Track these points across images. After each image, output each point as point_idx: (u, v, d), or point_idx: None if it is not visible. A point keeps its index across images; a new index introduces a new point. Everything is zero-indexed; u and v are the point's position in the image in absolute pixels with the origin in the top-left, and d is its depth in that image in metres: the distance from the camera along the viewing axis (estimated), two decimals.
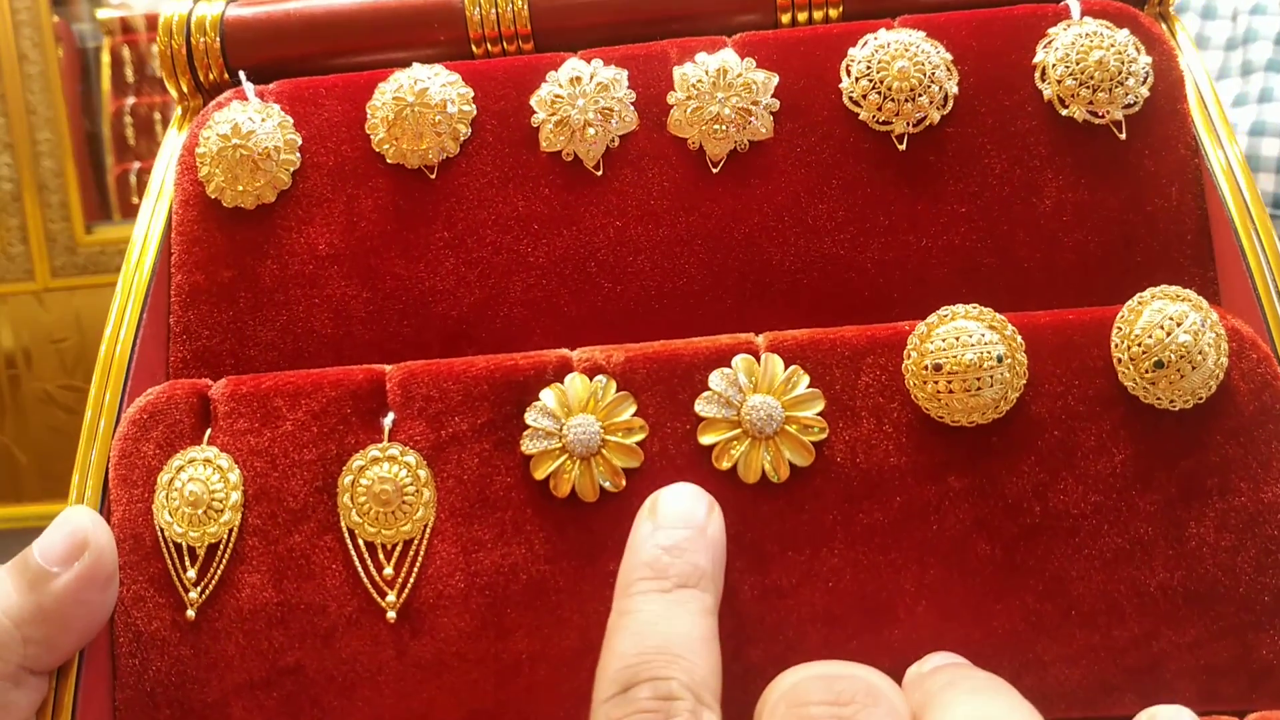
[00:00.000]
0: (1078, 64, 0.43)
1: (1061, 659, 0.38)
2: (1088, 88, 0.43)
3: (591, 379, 0.40)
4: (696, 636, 0.34)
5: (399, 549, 0.39)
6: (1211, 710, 0.37)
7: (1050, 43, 0.44)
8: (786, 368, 0.39)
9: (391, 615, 0.39)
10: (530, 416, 0.39)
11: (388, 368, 0.41)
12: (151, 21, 1.67)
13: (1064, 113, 0.43)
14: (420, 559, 0.39)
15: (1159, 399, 0.38)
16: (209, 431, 0.41)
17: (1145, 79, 0.43)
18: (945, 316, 0.39)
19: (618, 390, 0.40)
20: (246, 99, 0.47)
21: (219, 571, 0.40)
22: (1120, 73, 0.43)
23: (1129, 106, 0.43)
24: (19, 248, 1.56)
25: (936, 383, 0.38)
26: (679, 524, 0.37)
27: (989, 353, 0.38)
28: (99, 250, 1.55)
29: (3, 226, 1.54)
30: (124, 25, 1.67)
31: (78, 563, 0.38)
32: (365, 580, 0.39)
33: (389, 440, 0.40)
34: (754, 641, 0.38)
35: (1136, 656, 0.37)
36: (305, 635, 0.39)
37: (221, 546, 0.40)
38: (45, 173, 1.56)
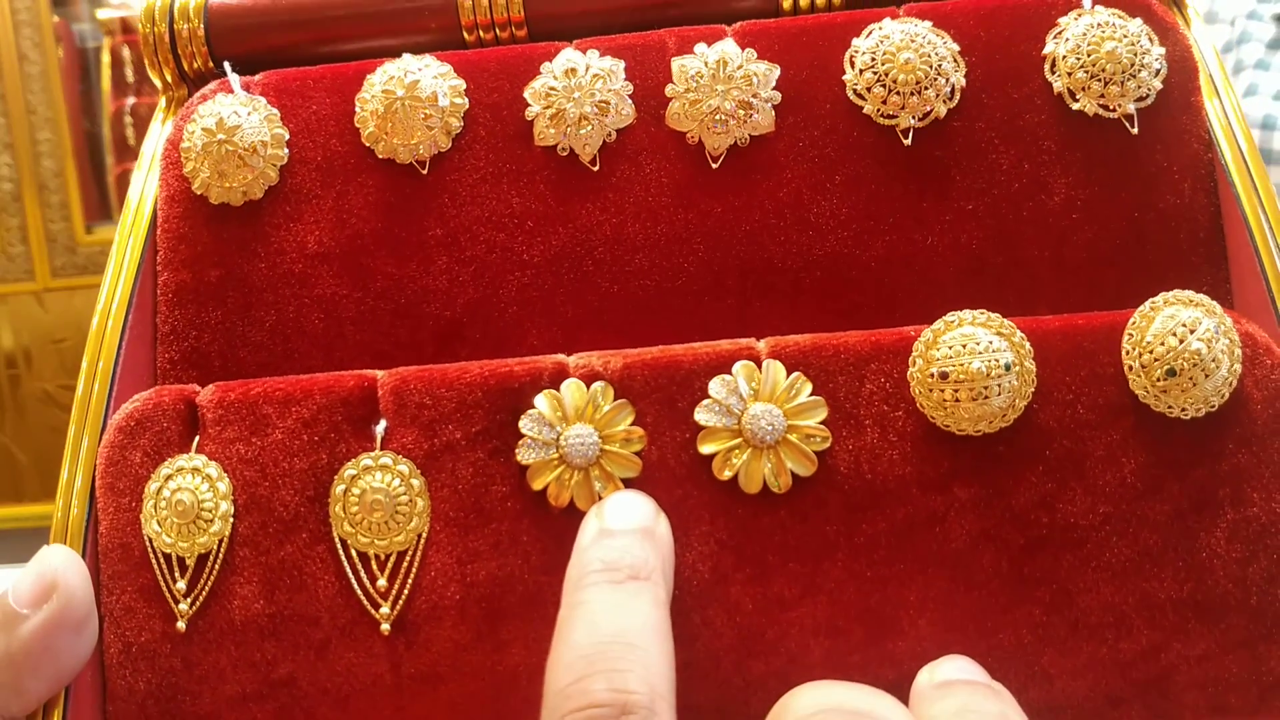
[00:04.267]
0: (1089, 55, 0.41)
1: (1068, 672, 0.37)
2: (1099, 80, 0.41)
3: (588, 386, 0.39)
4: (651, 626, 0.33)
5: (392, 560, 0.39)
6: None
7: (1061, 33, 0.42)
8: (789, 375, 0.38)
9: (385, 628, 0.38)
10: (525, 425, 0.38)
11: (379, 374, 0.40)
12: None
13: (1074, 106, 0.42)
14: (414, 570, 0.38)
15: (1170, 407, 0.37)
16: (197, 439, 0.40)
17: (1158, 71, 0.42)
18: (952, 323, 0.38)
19: (615, 397, 0.39)
20: (231, 91, 0.45)
21: (209, 583, 0.39)
22: (1133, 65, 0.41)
23: (1141, 100, 0.42)
24: (19, 248, 1.55)
25: (943, 391, 0.37)
26: (628, 524, 0.36)
27: (997, 360, 0.37)
28: (99, 250, 1.55)
29: (3, 226, 1.54)
30: (124, 25, 1.66)
31: (46, 605, 0.36)
32: (358, 592, 0.38)
33: (381, 448, 0.39)
34: (756, 655, 0.37)
35: (1144, 669, 0.37)
36: (298, 647, 0.39)
37: (212, 557, 0.39)
38: (45, 173, 1.56)
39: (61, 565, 0.38)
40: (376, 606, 0.38)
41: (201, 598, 0.39)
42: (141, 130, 1.65)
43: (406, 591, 0.38)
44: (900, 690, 0.35)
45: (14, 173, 1.54)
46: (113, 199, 1.65)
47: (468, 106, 0.44)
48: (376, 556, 0.39)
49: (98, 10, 1.66)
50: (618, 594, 0.34)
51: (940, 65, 0.42)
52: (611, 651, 0.32)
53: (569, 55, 0.44)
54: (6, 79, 1.53)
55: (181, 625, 0.39)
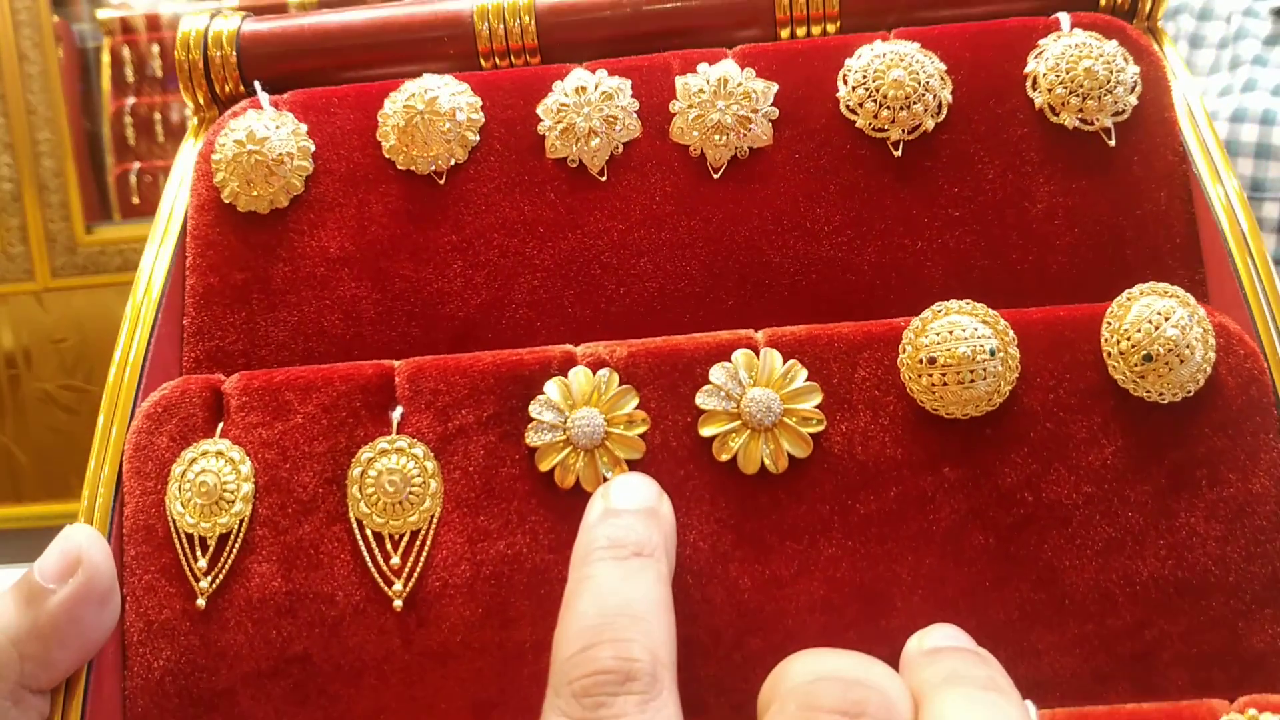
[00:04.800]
0: (1068, 73, 0.44)
1: (1055, 648, 0.38)
2: (1078, 95, 0.44)
3: (595, 373, 0.41)
4: (654, 600, 0.35)
5: (406, 539, 0.40)
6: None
7: (1041, 53, 0.45)
8: (785, 362, 0.40)
9: (398, 604, 0.40)
10: (534, 409, 0.40)
11: (396, 363, 0.42)
12: (152, 21, 1.68)
13: (1055, 120, 0.44)
14: (426, 549, 0.40)
15: (1148, 392, 0.39)
16: (221, 424, 0.42)
17: (1134, 88, 0.44)
18: (939, 312, 0.40)
19: (620, 384, 0.41)
20: (261, 108, 0.48)
21: (229, 561, 0.41)
22: (1109, 81, 0.44)
23: (1118, 114, 0.44)
24: (19, 248, 1.57)
25: (931, 375, 0.39)
26: (632, 504, 0.38)
27: (982, 346, 0.39)
28: (99, 250, 1.56)
29: (3, 226, 1.55)
30: (124, 25, 1.69)
31: (71, 579, 0.38)
32: (373, 570, 0.40)
33: (397, 433, 0.41)
34: (754, 631, 0.39)
35: (1129, 645, 0.38)
36: (313, 624, 0.40)
37: (232, 537, 0.41)
38: (45, 173, 1.57)
39: (85, 541, 0.39)
40: (390, 584, 0.40)
41: (221, 576, 0.40)
42: (141, 130, 1.67)
43: (419, 570, 0.40)
44: (893, 665, 0.37)
45: (14, 173, 1.56)
46: (113, 199, 1.66)
47: (483, 121, 0.47)
48: (391, 536, 0.40)
49: (98, 10, 1.68)
50: (622, 569, 0.35)
51: (928, 82, 0.45)
52: (617, 622, 0.33)
53: (579, 74, 0.47)
54: (6, 79, 1.55)
55: (201, 603, 0.40)
